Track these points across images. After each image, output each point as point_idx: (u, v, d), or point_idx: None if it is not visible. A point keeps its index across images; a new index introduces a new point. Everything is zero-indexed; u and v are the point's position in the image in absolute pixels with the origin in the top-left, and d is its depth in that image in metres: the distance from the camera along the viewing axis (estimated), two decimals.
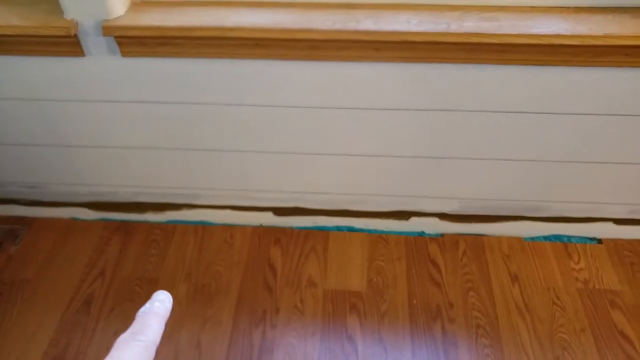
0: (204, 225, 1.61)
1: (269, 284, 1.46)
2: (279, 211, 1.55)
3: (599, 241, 1.57)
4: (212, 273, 1.48)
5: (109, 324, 1.38)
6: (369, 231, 1.58)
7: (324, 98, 1.22)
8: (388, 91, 1.20)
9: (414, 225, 1.56)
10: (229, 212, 1.56)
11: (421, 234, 1.57)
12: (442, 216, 1.53)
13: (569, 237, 1.57)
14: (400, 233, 1.57)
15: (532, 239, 1.57)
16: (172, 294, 1.42)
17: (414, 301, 1.41)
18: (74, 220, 1.64)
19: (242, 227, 1.59)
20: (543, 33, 1.03)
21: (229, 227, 1.60)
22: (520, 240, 1.56)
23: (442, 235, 1.57)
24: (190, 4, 1.16)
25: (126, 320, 1.38)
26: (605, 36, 1.02)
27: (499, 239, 1.56)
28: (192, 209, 1.57)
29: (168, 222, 1.62)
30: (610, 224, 1.54)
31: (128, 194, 1.55)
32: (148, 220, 1.62)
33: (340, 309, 1.40)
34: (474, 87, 1.17)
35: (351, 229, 1.58)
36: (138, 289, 1.45)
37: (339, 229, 1.59)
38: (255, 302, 1.42)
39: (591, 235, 1.57)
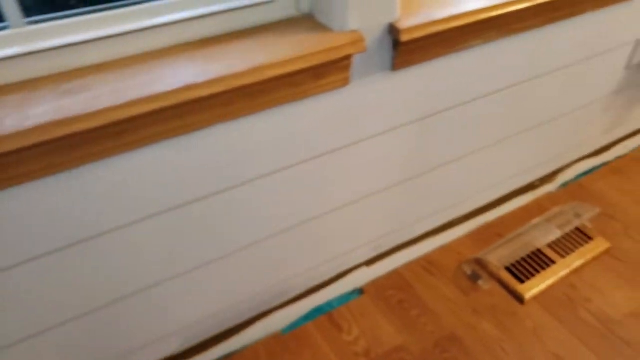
0: None
1: None
2: None
3: (361, 291, 1.31)
4: None
5: None
6: None
7: None
8: None
9: None
10: None
11: None
12: None
13: (330, 304, 1.28)
14: None
15: (290, 327, 1.23)
16: None
17: None
18: None
19: None
20: (165, 90, 0.68)
21: None
22: (276, 336, 1.21)
23: None
24: None
25: None
26: (256, 69, 0.72)
27: (254, 347, 1.18)
28: None
29: None
30: (363, 269, 1.30)
31: None
32: None
33: None
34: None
35: None
36: None
37: None
38: None
39: (350, 289, 1.31)
